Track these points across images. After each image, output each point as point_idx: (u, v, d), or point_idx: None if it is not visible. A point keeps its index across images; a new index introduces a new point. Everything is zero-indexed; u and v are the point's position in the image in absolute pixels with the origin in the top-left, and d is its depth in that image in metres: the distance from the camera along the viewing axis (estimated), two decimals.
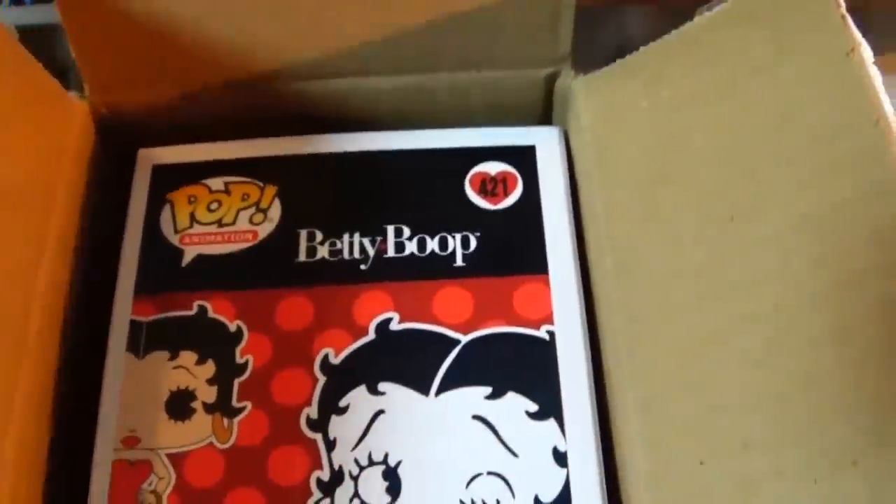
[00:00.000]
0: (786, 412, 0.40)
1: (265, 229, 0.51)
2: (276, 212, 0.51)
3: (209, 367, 0.48)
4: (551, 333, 0.48)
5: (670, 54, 0.48)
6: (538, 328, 0.48)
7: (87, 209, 0.51)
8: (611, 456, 0.47)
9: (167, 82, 0.53)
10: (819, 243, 0.40)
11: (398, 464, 0.45)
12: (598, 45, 0.53)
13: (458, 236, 0.50)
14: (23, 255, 0.46)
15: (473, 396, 0.47)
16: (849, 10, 0.41)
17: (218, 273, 0.50)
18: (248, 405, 0.47)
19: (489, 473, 0.45)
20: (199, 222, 0.51)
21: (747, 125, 0.45)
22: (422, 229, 0.51)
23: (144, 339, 0.48)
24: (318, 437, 0.46)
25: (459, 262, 0.50)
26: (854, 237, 0.39)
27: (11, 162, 0.46)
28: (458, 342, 0.48)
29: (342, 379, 0.47)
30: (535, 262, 0.50)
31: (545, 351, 0.48)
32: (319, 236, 0.51)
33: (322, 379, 0.47)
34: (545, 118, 0.56)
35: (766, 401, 0.40)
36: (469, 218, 0.51)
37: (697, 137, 0.47)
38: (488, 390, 0.47)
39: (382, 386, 0.47)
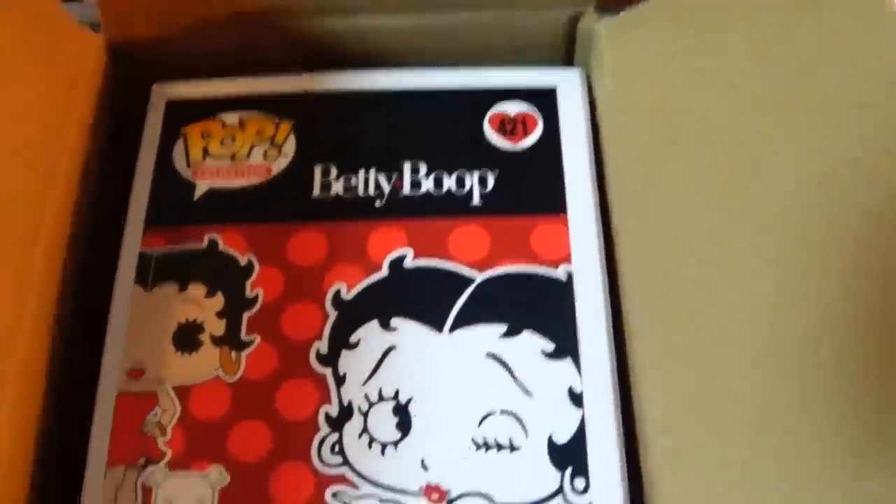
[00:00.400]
0: (810, 351, 0.39)
1: (279, 165, 0.50)
2: (290, 147, 0.51)
3: (218, 300, 0.47)
4: (569, 273, 0.47)
5: None
6: (556, 268, 0.47)
7: (98, 142, 0.51)
8: (627, 398, 0.45)
9: (181, 15, 0.52)
10: (840, 193, 0.40)
11: (409, 400, 0.44)
12: None
13: (476, 175, 0.49)
14: (31, 186, 0.45)
15: (488, 334, 0.46)
16: None
17: (230, 207, 0.49)
18: (257, 339, 0.46)
19: (502, 412, 0.44)
20: (212, 157, 0.51)
21: (773, 69, 0.45)
22: (439, 167, 0.50)
23: (153, 272, 0.48)
24: (328, 371, 0.45)
25: (476, 200, 0.49)
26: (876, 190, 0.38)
27: (23, 90, 0.46)
28: (472, 280, 0.47)
29: (354, 314, 0.46)
30: (553, 202, 0.48)
31: (562, 291, 0.46)
32: (334, 172, 0.50)
33: (333, 314, 0.46)
34: (567, 60, 0.55)
35: (787, 342, 0.40)
36: (487, 157, 0.50)
37: (721, 81, 0.46)
38: (503, 328, 0.46)
39: (395, 322, 0.46)
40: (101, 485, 0.44)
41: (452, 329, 0.46)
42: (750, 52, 0.46)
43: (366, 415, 0.45)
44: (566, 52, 0.54)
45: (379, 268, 0.47)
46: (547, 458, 0.43)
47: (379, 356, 0.45)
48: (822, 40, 0.43)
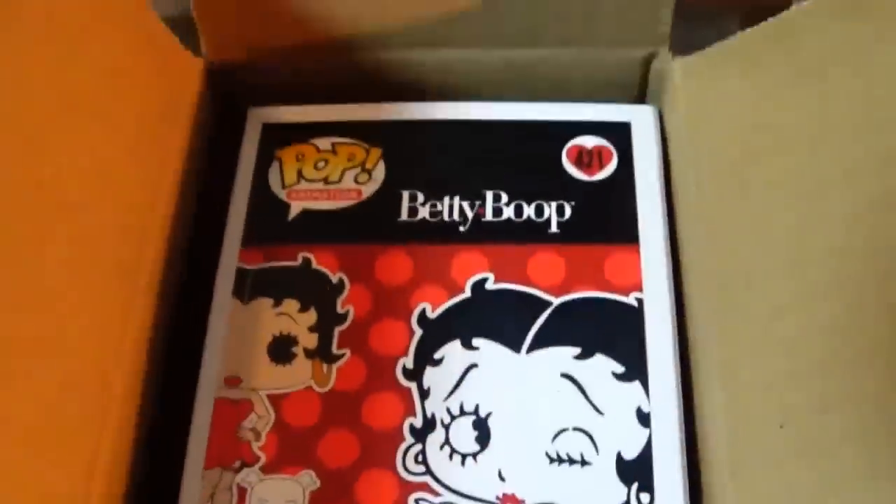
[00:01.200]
0: (866, 377, 0.40)
1: (369, 189, 0.53)
2: (380, 173, 0.53)
3: (311, 315, 0.50)
4: (640, 300, 0.49)
5: (767, 40, 0.49)
6: (627, 295, 0.49)
7: (197, 164, 0.53)
8: (691, 418, 0.48)
9: (279, 41, 0.54)
10: None
11: (488, 415, 0.47)
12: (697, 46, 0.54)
13: (554, 204, 0.52)
14: (139, 200, 0.48)
15: (563, 356, 0.48)
16: None
17: (322, 227, 0.52)
18: (347, 352, 0.49)
19: (575, 429, 0.46)
20: (305, 179, 0.53)
21: (840, 109, 0.46)
22: (519, 196, 0.52)
23: (250, 286, 0.50)
24: (413, 385, 0.48)
25: (554, 228, 0.51)
26: None
27: (125, 110, 0.48)
28: (549, 304, 0.49)
29: (438, 332, 0.49)
30: (626, 232, 0.51)
31: (633, 317, 0.49)
32: (421, 198, 0.52)
33: (419, 331, 0.49)
34: (640, 97, 0.57)
35: (846, 365, 0.41)
36: (565, 187, 0.52)
37: (790, 120, 0.47)
38: (577, 351, 0.48)
39: (476, 341, 0.48)
40: (198, 484, 0.46)
41: (530, 350, 0.48)
42: (820, 91, 0.47)
43: (447, 427, 0.47)
44: (639, 91, 0.57)
45: (462, 289, 0.50)
46: (615, 473, 0.46)
47: (461, 373, 0.48)
48: (890, 74, 0.44)
